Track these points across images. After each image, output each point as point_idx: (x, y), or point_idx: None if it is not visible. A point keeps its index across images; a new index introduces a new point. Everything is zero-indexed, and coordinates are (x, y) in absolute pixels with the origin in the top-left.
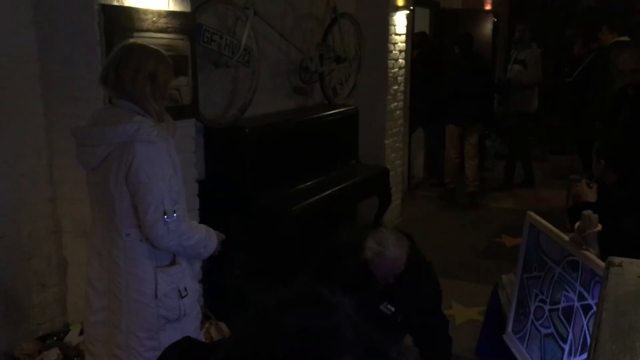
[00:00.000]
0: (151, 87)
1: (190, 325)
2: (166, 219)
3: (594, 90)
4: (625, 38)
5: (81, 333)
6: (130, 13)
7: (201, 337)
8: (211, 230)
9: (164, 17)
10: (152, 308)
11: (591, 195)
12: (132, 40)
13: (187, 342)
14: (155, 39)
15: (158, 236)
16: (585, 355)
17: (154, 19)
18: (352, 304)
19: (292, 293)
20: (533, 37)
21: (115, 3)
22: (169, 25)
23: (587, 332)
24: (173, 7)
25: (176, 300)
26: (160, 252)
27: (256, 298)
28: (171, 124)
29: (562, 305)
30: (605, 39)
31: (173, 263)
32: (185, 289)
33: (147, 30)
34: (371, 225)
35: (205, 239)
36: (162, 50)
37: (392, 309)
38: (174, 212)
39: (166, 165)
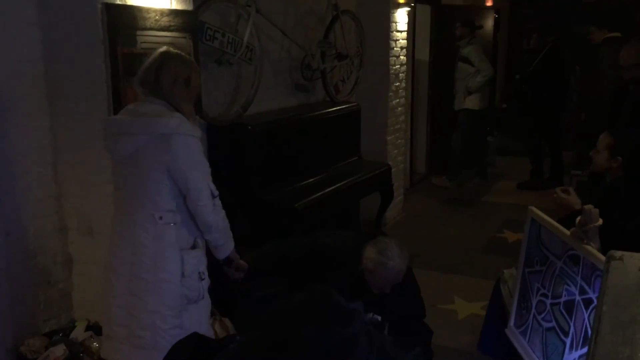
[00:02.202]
0: (186, 91)
1: (206, 310)
2: (213, 198)
3: (551, 84)
4: (617, 34)
5: (87, 329)
6: (133, 12)
7: (210, 327)
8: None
9: (167, 15)
10: (177, 287)
11: (575, 202)
12: (166, 47)
13: (195, 338)
14: (158, 37)
15: (208, 212)
16: (586, 349)
17: (157, 17)
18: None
19: (309, 302)
20: (475, 34)
21: (119, 2)
22: (172, 24)
23: (588, 325)
24: (175, 5)
25: (197, 281)
26: (183, 236)
27: (269, 301)
28: (196, 123)
29: (563, 299)
30: (596, 37)
31: (194, 247)
32: (204, 272)
33: (150, 29)
34: (356, 233)
35: (228, 228)
36: (192, 60)
37: (379, 318)
38: (215, 193)
39: (203, 155)
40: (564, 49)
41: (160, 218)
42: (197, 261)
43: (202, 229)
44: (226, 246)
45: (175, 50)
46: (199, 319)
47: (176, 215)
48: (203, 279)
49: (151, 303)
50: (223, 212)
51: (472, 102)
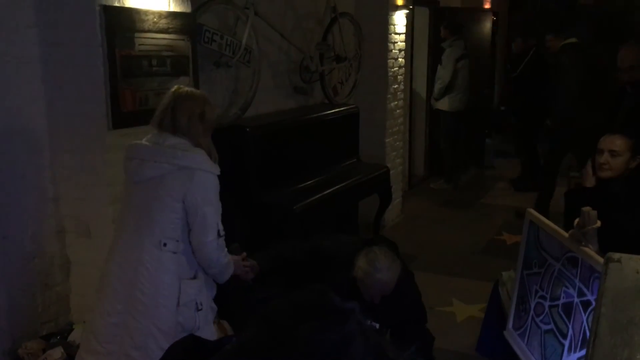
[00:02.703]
0: (201, 125)
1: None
2: (219, 238)
3: (539, 88)
4: (573, 40)
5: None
6: (131, 14)
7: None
8: (230, 258)
9: (165, 17)
10: (173, 314)
11: (590, 181)
12: (176, 86)
13: (191, 340)
14: (156, 40)
15: (211, 250)
16: (585, 351)
17: (155, 19)
18: (361, 311)
19: (305, 301)
20: (458, 36)
21: (117, 4)
22: (170, 26)
23: (586, 327)
24: (174, 7)
25: (193, 311)
26: (185, 266)
27: (267, 302)
28: (215, 154)
29: (562, 301)
30: (554, 45)
31: (194, 277)
32: (201, 303)
33: (148, 31)
34: (356, 237)
35: (229, 264)
36: (206, 95)
37: (377, 325)
38: (222, 233)
39: (218, 194)
40: (567, 53)
41: (165, 245)
42: (195, 292)
43: (203, 264)
44: (225, 276)
45: (186, 88)
46: None
47: (179, 244)
48: (200, 310)
49: (146, 325)
50: (225, 250)
51: (442, 104)
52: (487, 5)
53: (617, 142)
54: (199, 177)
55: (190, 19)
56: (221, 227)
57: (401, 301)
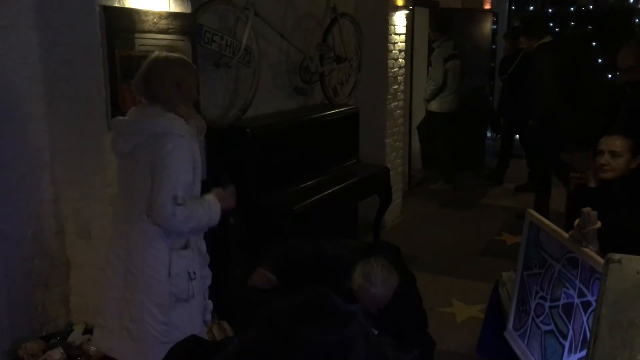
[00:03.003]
0: (178, 92)
1: (197, 309)
2: (175, 205)
3: (525, 89)
4: (548, 39)
5: (84, 332)
6: (131, 14)
7: (204, 326)
8: (211, 200)
9: (165, 18)
10: (165, 285)
11: (594, 181)
12: (157, 52)
13: (193, 341)
14: (156, 40)
15: (164, 218)
16: (585, 351)
17: (155, 20)
18: (363, 313)
19: (307, 302)
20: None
21: (117, 4)
22: (170, 26)
23: (587, 328)
24: (174, 8)
25: (186, 281)
26: (174, 236)
27: (267, 303)
28: (199, 122)
29: (562, 302)
30: (528, 46)
31: (186, 247)
32: (194, 272)
33: (148, 32)
34: (358, 244)
35: (205, 215)
36: (185, 58)
37: (375, 332)
38: (182, 202)
39: (188, 160)
40: (543, 52)
41: (148, 217)
42: (187, 262)
43: (164, 228)
44: (212, 221)
45: (164, 54)
46: (190, 318)
47: None
48: (193, 279)
49: (140, 298)
50: (187, 220)
51: (434, 106)
52: (487, 6)
53: (617, 143)
54: (162, 142)
55: (190, 20)
56: (179, 194)
57: (401, 306)
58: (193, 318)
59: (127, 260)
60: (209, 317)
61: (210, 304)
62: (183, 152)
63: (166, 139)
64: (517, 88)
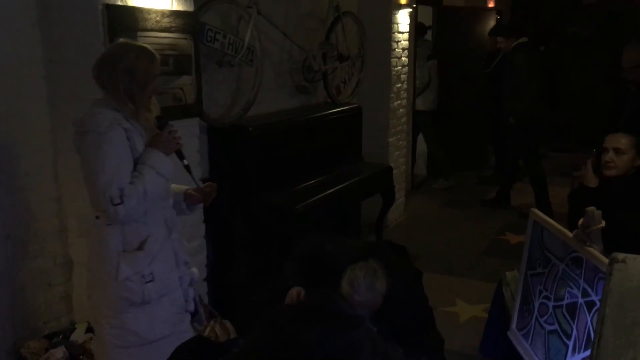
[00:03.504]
0: (129, 83)
1: (164, 313)
2: (114, 206)
3: (505, 87)
4: (524, 39)
5: (87, 331)
6: (134, 13)
7: (183, 327)
8: (148, 160)
9: (168, 16)
10: (114, 289)
11: (593, 181)
12: (122, 39)
13: (197, 342)
14: (158, 39)
15: (112, 221)
16: (589, 351)
17: (158, 18)
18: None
19: (312, 306)
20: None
21: (119, 3)
22: (173, 25)
23: (591, 328)
24: (176, 6)
25: (139, 284)
26: (128, 236)
27: (268, 303)
28: (151, 120)
29: (566, 301)
30: (505, 46)
31: (140, 248)
32: (151, 274)
33: (151, 30)
34: (357, 243)
35: (151, 183)
36: (147, 47)
37: (374, 329)
38: (121, 197)
39: (119, 155)
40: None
41: (97, 217)
42: (140, 263)
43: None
44: (165, 175)
45: (125, 40)
46: (150, 322)
47: None
48: (149, 281)
49: (95, 300)
50: (133, 210)
51: (417, 103)
52: (491, 4)
53: (622, 141)
54: (85, 141)
55: (193, 18)
56: (114, 194)
57: (404, 305)
58: (152, 323)
59: (87, 259)
60: (187, 318)
61: (191, 305)
62: (107, 149)
63: (87, 137)
64: (498, 84)
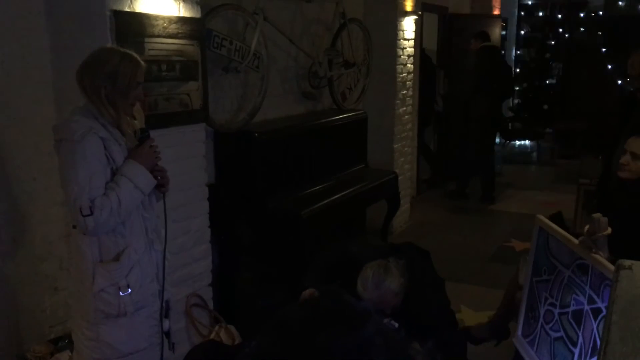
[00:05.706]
0: (111, 89)
1: (140, 326)
2: (84, 217)
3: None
4: (489, 43)
5: None
6: (141, 19)
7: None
8: (126, 171)
9: (175, 22)
10: (90, 300)
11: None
12: (108, 44)
13: (211, 344)
14: (166, 45)
15: (86, 232)
16: (595, 359)
17: (165, 24)
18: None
19: (320, 307)
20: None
21: (127, 9)
22: (180, 31)
23: (597, 335)
24: (183, 13)
25: (115, 296)
26: (104, 246)
27: (273, 308)
28: (135, 127)
29: (571, 308)
30: (474, 47)
31: (116, 259)
32: (128, 285)
33: (158, 36)
34: (382, 245)
35: (126, 194)
36: (132, 53)
37: (396, 324)
38: (91, 208)
39: (92, 162)
40: (494, 55)
41: (74, 227)
42: (116, 275)
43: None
44: (144, 188)
45: (109, 46)
46: (128, 335)
47: None
48: (125, 293)
49: (74, 311)
50: (105, 222)
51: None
52: (496, 12)
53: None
54: (59, 149)
55: (199, 24)
56: (85, 205)
57: (422, 309)
58: (133, 335)
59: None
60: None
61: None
62: (76, 159)
63: (62, 145)
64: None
